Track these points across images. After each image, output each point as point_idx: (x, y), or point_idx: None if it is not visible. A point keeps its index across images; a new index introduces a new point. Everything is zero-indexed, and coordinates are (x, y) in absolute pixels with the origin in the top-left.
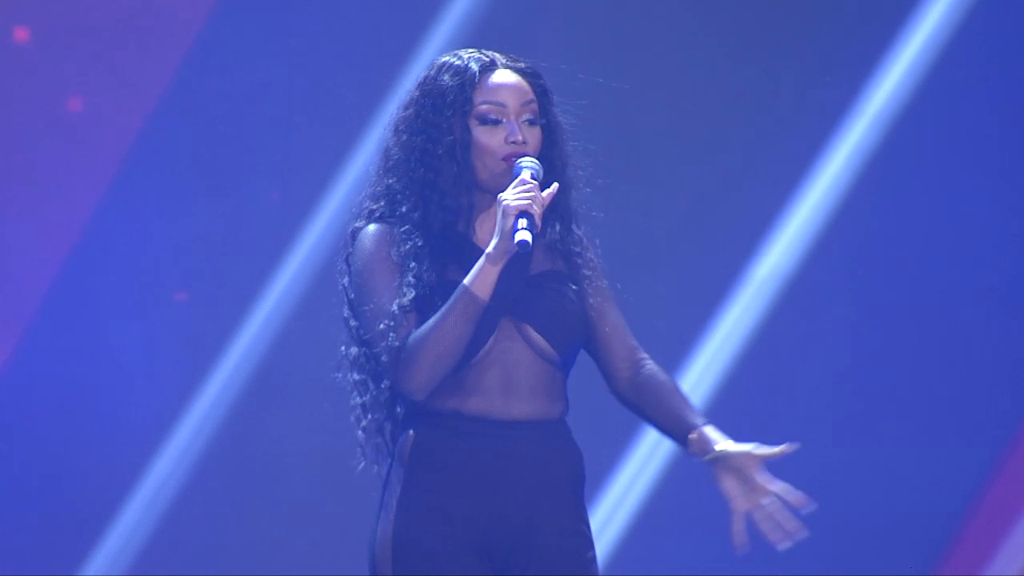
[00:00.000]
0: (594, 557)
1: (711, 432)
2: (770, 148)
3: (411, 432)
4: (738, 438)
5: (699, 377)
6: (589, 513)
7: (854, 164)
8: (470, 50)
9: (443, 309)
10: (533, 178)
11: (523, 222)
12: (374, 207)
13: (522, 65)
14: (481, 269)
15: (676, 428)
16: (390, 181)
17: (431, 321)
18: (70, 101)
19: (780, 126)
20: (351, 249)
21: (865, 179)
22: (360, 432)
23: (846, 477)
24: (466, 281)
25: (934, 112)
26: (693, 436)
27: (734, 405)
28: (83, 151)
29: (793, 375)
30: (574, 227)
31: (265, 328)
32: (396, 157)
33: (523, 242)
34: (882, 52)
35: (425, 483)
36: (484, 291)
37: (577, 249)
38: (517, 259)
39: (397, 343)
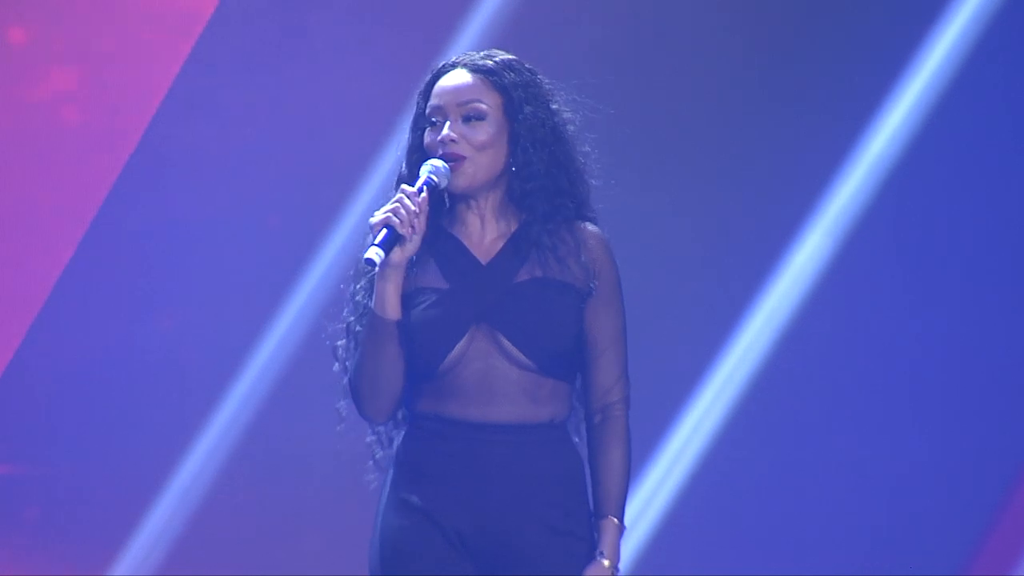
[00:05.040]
0: (587, 556)
1: (603, 534)
2: (796, 153)
3: (401, 436)
4: (767, 438)
5: (728, 376)
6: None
7: (877, 172)
8: (461, 54)
9: (363, 337)
10: (426, 183)
11: (380, 236)
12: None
13: (488, 63)
14: (375, 290)
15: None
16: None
17: (358, 351)
18: (68, 105)
19: (805, 133)
20: None
21: (890, 186)
22: (370, 437)
23: (874, 478)
24: (372, 304)
25: (960, 121)
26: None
27: (763, 405)
28: (84, 156)
29: (821, 376)
30: (567, 231)
31: (293, 329)
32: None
33: (368, 260)
34: (906, 59)
35: (408, 485)
36: (386, 309)
37: (562, 253)
38: (498, 266)
39: (346, 370)
